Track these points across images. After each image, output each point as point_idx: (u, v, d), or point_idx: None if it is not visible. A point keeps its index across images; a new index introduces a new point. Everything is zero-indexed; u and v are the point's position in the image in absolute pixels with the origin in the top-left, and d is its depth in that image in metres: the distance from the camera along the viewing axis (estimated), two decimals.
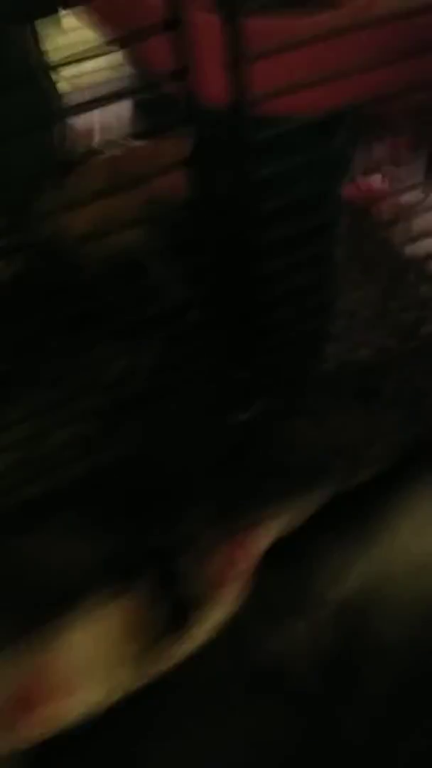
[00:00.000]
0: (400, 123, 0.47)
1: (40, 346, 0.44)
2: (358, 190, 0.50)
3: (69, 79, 0.62)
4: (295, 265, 0.41)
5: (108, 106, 0.51)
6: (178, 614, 0.42)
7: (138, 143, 0.53)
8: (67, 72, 0.62)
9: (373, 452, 0.46)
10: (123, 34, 0.41)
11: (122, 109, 0.60)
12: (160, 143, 0.45)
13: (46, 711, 0.41)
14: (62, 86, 0.61)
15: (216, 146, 0.36)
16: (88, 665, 0.43)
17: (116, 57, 0.57)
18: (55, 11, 0.49)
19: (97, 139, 0.61)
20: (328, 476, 0.45)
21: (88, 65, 0.61)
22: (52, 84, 0.58)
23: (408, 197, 0.48)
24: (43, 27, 0.56)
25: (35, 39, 0.54)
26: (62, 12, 0.53)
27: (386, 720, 0.37)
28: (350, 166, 0.49)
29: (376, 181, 0.51)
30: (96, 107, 0.41)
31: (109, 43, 0.45)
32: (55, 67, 0.59)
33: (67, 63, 0.40)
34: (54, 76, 0.58)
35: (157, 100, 0.43)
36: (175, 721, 0.40)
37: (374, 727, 0.37)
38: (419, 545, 0.44)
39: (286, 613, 0.41)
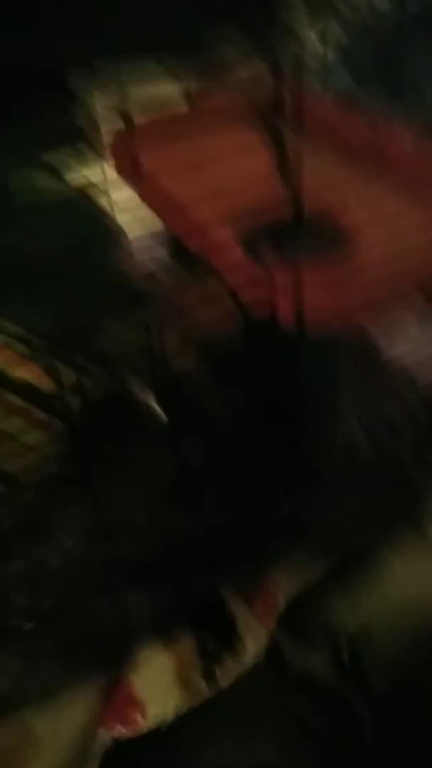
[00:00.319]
0: None
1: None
2: None
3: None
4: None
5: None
6: (226, 646, 0.56)
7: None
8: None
9: (370, 520, 0.61)
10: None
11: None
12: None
13: (124, 720, 0.55)
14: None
15: None
16: (156, 688, 0.56)
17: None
18: None
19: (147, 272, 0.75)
20: (339, 539, 0.60)
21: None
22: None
23: None
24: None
25: None
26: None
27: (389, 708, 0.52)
28: None
29: None
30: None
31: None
32: None
33: None
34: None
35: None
36: (232, 723, 0.53)
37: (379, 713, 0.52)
38: (407, 590, 0.59)
39: (308, 641, 0.55)
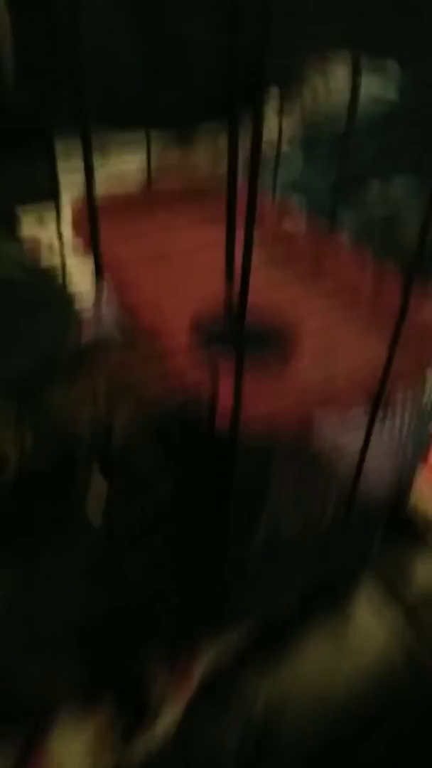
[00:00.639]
0: None
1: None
2: None
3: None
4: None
5: None
6: (140, 719, 0.57)
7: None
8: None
9: (283, 598, 0.62)
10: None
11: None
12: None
13: None
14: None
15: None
16: (70, 759, 0.56)
17: None
18: None
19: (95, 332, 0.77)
20: (260, 614, 0.61)
21: None
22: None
23: None
24: None
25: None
26: None
27: None
28: None
29: None
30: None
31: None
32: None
33: None
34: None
35: None
36: None
37: None
38: (325, 662, 0.61)
39: (216, 718, 0.57)
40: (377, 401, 0.54)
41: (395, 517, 0.70)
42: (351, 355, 0.53)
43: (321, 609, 0.64)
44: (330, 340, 0.53)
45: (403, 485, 0.66)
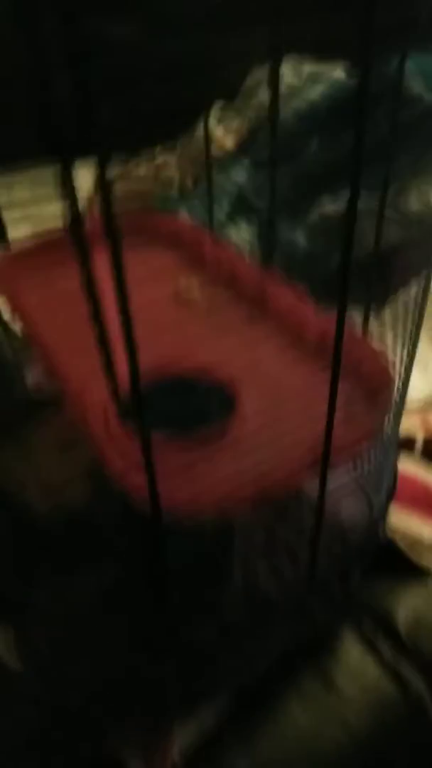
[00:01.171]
0: None
1: None
2: None
3: None
4: None
5: None
6: None
7: None
8: None
9: (259, 665, 0.60)
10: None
11: None
12: None
13: None
14: None
15: None
16: None
17: None
18: None
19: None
20: (236, 682, 0.59)
21: None
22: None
23: None
24: None
25: None
26: None
27: None
28: None
29: None
30: None
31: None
32: None
33: None
34: None
35: None
36: None
37: None
38: (305, 729, 0.59)
39: None
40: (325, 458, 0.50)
41: (373, 553, 0.67)
42: (299, 413, 0.49)
43: (301, 667, 0.61)
44: (276, 396, 0.50)
45: (375, 523, 0.63)
